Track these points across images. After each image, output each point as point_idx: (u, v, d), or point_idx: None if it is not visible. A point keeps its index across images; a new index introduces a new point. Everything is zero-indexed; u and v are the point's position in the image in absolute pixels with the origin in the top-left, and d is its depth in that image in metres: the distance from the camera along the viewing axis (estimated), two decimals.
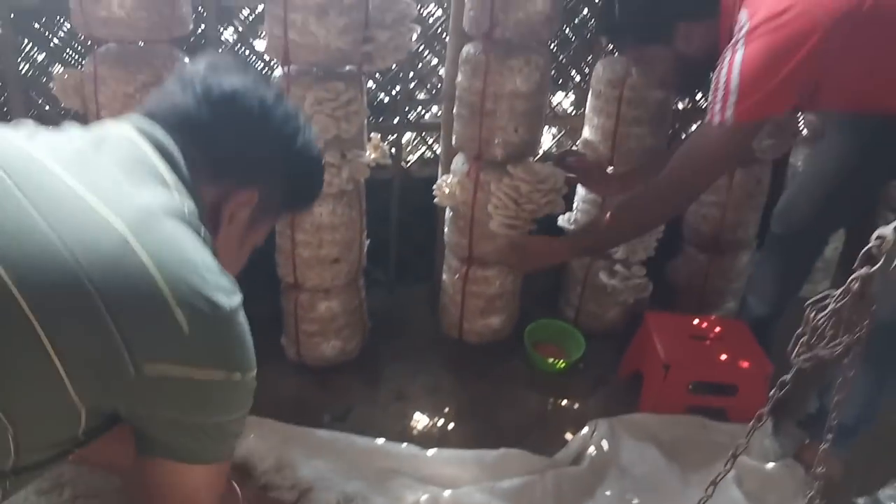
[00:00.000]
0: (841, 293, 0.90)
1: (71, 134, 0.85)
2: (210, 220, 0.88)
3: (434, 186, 2.15)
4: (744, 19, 1.63)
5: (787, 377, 1.00)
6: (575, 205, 2.39)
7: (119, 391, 0.75)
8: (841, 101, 1.76)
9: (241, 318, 0.82)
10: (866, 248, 0.89)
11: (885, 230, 0.88)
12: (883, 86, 1.67)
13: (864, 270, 0.88)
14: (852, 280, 0.89)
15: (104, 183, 0.77)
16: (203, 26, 2.12)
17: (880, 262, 0.88)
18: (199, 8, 2.06)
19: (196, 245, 0.79)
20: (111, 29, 1.69)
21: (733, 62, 1.59)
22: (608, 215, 1.97)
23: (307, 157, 1.00)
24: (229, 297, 0.79)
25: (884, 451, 2.03)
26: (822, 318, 0.92)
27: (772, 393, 1.02)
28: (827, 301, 0.92)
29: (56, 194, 0.74)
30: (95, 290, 0.70)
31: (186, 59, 1.83)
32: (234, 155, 0.91)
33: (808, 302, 0.94)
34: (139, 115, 0.91)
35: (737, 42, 1.61)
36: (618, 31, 1.93)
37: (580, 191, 2.36)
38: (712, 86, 1.65)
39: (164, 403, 0.78)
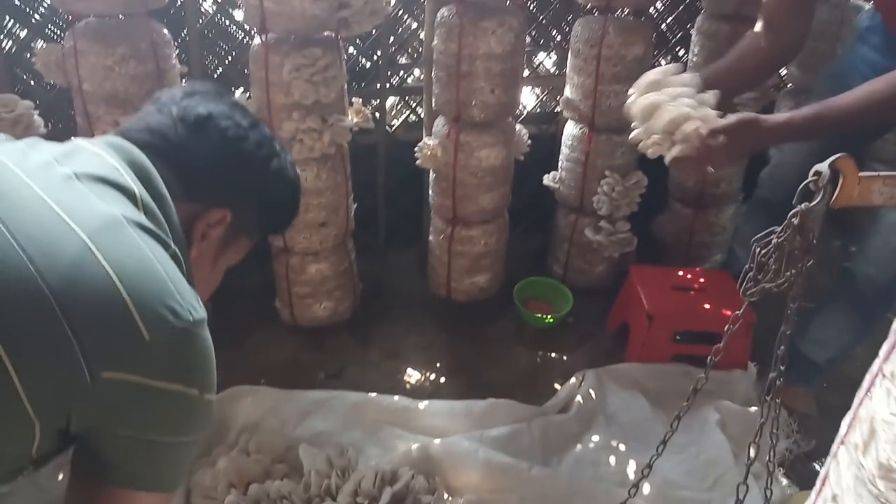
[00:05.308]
0: (783, 228, 0.93)
1: (40, 146, 0.84)
2: (185, 237, 0.88)
3: (416, 149, 2.18)
4: None
5: (739, 312, 1.04)
6: (559, 163, 2.42)
7: (74, 401, 0.72)
8: None
9: (205, 333, 0.79)
10: (804, 183, 0.92)
11: (822, 166, 0.91)
12: None
13: (802, 206, 0.92)
14: (793, 215, 0.93)
15: (67, 192, 0.76)
16: None
17: (818, 198, 0.91)
18: None
19: (161, 256, 0.78)
20: (88, 4, 1.71)
21: None
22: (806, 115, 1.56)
23: (282, 181, 1.01)
24: (193, 309, 0.77)
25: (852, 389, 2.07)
26: (766, 252, 0.95)
27: (727, 327, 1.06)
28: (770, 237, 0.96)
29: (18, 198, 0.73)
30: (53, 297, 0.68)
31: (165, 31, 1.84)
32: (206, 175, 0.92)
33: (754, 239, 0.98)
34: (113, 134, 0.91)
35: None
36: None
37: (564, 149, 2.38)
38: None
39: (118, 416, 0.75)
